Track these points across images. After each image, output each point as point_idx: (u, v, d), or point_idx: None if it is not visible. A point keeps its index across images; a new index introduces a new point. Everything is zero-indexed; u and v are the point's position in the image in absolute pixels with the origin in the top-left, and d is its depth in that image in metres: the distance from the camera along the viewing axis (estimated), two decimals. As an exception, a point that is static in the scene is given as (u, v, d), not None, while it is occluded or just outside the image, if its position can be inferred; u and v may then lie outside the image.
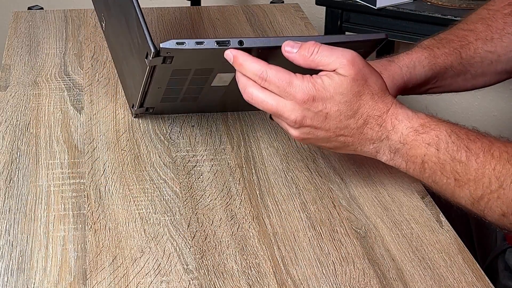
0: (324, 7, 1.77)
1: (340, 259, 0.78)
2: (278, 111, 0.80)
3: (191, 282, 0.75)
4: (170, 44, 0.82)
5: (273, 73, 0.79)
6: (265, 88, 0.80)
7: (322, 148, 0.88)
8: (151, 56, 0.84)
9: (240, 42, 0.82)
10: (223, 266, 0.77)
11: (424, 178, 0.81)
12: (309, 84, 0.79)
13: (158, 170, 0.92)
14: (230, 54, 0.81)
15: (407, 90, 1.03)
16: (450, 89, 1.08)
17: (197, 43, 0.83)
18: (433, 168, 0.80)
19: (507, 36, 1.07)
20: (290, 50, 0.80)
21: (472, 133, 0.80)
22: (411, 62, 1.02)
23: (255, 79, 0.80)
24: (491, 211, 0.78)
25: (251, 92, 0.81)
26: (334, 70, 0.79)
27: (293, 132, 0.82)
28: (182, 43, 0.82)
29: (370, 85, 0.80)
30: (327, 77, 0.79)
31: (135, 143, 0.97)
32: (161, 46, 0.83)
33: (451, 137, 0.79)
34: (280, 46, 0.81)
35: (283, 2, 1.47)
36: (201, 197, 0.87)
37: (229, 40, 0.82)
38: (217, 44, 0.82)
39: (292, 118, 0.80)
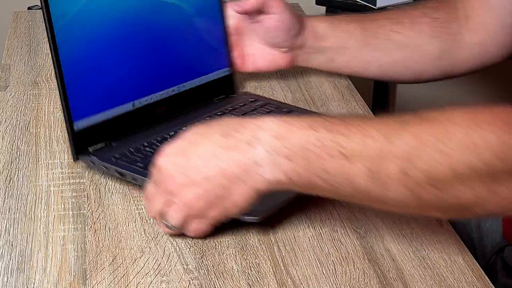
0: (324, 7, 1.77)
1: (340, 259, 0.78)
2: (152, 212, 0.80)
3: (191, 282, 0.74)
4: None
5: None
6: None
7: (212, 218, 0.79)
8: None
9: None
10: (223, 266, 0.77)
11: (315, 172, 0.72)
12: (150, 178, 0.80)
13: (158, 170, 0.92)
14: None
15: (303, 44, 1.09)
16: (358, 63, 1.11)
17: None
18: (317, 151, 0.72)
19: (420, 24, 1.09)
20: None
21: (334, 116, 0.79)
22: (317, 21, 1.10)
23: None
24: (391, 178, 0.71)
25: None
26: None
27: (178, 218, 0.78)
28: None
29: (206, 130, 0.78)
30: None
31: (135, 143, 0.97)
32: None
33: (321, 118, 0.74)
34: None
35: (283, 2, 1.46)
36: (201, 197, 0.87)
37: None
38: None
39: (157, 208, 0.79)
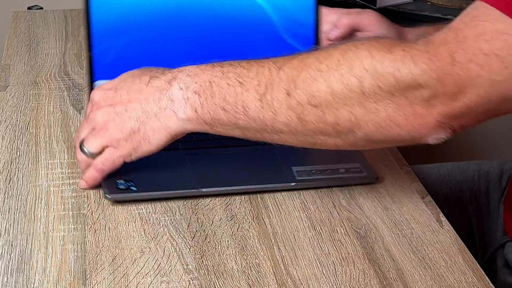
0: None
1: (340, 259, 0.78)
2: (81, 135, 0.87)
3: (191, 282, 0.74)
4: None
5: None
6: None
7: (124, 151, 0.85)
8: None
9: None
10: (223, 266, 0.77)
11: (217, 103, 0.80)
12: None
13: (158, 170, 0.92)
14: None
15: None
16: None
17: None
18: (219, 83, 0.80)
19: None
20: None
21: None
22: None
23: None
24: (278, 100, 0.77)
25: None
26: None
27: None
28: None
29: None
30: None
31: (135, 143, 0.97)
32: None
33: (231, 63, 0.82)
34: None
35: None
36: (201, 197, 0.87)
37: None
38: None
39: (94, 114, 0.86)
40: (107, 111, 0.84)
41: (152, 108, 0.83)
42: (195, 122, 0.81)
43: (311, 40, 0.99)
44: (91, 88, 0.93)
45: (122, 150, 0.84)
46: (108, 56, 0.95)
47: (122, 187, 0.86)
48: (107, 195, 0.85)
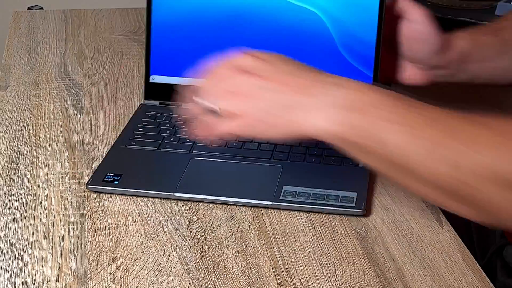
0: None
1: (340, 259, 0.78)
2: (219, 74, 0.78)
3: (191, 282, 0.74)
4: None
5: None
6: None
7: (259, 130, 0.79)
8: None
9: None
10: (223, 266, 0.77)
11: (370, 133, 0.73)
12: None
13: (158, 170, 0.92)
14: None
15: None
16: (499, 73, 1.04)
17: None
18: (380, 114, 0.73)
19: None
20: None
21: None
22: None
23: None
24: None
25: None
26: None
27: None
28: None
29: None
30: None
31: (135, 143, 0.97)
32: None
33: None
34: None
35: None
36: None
37: None
38: None
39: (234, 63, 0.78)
40: (255, 82, 0.76)
41: (303, 100, 0.75)
42: (334, 136, 0.74)
43: (371, 59, 0.97)
44: (148, 81, 0.97)
45: (251, 128, 0.77)
46: (165, 52, 1.00)
47: (107, 179, 0.87)
48: (88, 185, 0.86)
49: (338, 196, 0.86)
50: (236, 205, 0.85)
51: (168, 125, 0.98)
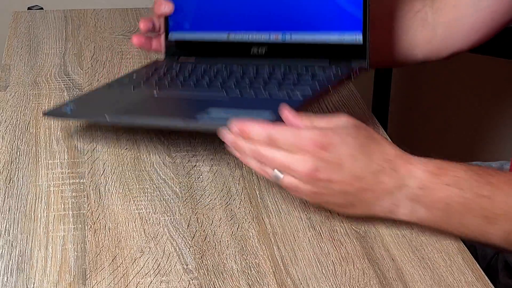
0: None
1: (340, 259, 0.78)
2: (288, 164, 0.75)
3: (190, 282, 0.75)
4: None
5: (280, 131, 0.75)
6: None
7: (336, 210, 0.82)
8: None
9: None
10: (222, 266, 0.77)
11: (451, 224, 0.78)
12: (317, 131, 0.75)
13: (158, 170, 0.92)
14: (230, 136, 0.79)
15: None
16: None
17: None
18: (459, 209, 0.76)
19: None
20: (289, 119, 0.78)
21: (488, 169, 0.78)
22: None
23: (264, 143, 0.76)
24: None
25: (262, 153, 0.77)
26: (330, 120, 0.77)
27: (306, 188, 0.76)
28: None
29: (373, 132, 0.78)
30: (330, 123, 0.77)
31: (135, 143, 0.97)
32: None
33: (471, 175, 0.76)
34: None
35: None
36: (200, 197, 0.87)
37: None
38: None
39: (304, 170, 0.75)
40: (334, 188, 0.76)
41: (375, 202, 0.77)
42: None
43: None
44: (167, 36, 0.96)
45: (321, 201, 0.79)
46: (182, 10, 0.98)
47: (65, 110, 0.92)
48: (44, 112, 0.94)
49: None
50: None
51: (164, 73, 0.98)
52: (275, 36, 0.92)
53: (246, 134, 0.77)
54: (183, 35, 0.99)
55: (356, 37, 0.90)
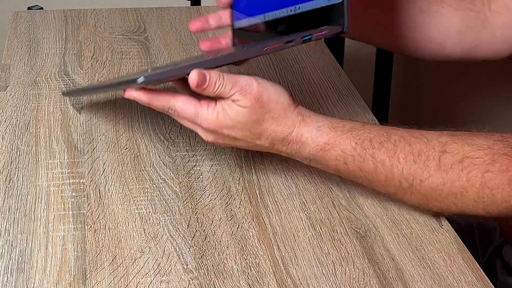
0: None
1: (340, 259, 0.78)
2: (195, 130, 0.86)
3: (190, 282, 0.75)
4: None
5: (180, 105, 0.84)
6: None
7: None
8: None
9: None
10: (222, 266, 0.77)
11: (342, 177, 0.87)
12: (213, 114, 0.83)
13: (158, 170, 0.92)
14: (132, 96, 0.85)
15: None
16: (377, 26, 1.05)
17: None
18: (346, 175, 0.85)
19: None
20: (195, 86, 0.83)
21: (376, 139, 0.82)
22: None
23: (166, 113, 0.85)
24: (408, 202, 0.84)
25: (171, 115, 0.86)
26: (234, 100, 0.83)
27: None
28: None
29: (271, 111, 0.83)
30: (228, 105, 0.83)
31: (134, 143, 0.97)
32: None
33: (356, 150, 0.82)
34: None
35: (283, 2, 1.46)
36: (200, 197, 0.87)
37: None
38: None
39: (206, 139, 0.86)
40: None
41: (275, 152, 0.87)
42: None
43: None
44: (233, 27, 0.94)
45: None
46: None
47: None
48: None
49: None
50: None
51: None
52: (289, 9, 0.96)
53: (147, 103, 0.85)
54: (241, 23, 0.99)
55: None
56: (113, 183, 0.89)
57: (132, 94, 0.84)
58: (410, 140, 0.81)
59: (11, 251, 0.78)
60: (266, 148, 0.86)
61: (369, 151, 0.81)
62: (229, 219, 0.84)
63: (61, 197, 0.86)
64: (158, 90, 0.84)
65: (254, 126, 0.83)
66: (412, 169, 0.80)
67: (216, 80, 0.82)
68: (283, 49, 0.89)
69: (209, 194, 0.88)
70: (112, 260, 0.77)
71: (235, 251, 0.79)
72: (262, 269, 0.77)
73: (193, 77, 0.81)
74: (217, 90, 0.82)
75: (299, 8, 0.97)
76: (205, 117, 0.83)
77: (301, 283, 0.75)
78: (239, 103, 0.82)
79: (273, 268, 0.77)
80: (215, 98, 0.83)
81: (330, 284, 0.75)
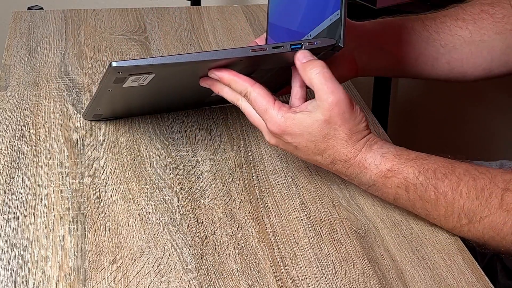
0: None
1: (340, 259, 0.78)
2: (258, 126, 0.86)
3: (190, 282, 0.75)
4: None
5: (255, 95, 0.83)
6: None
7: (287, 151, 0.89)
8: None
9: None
10: (222, 266, 0.77)
11: (401, 207, 0.85)
12: (282, 118, 0.82)
13: (158, 170, 0.92)
14: (216, 75, 0.85)
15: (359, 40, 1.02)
16: (426, 61, 1.05)
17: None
18: (405, 204, 0.83)
19: (481, 20, 1.05)
20: (301, 58, 0.83)
21: (440, 170, 0.80)
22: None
23: (236, 101, 0.86)
24: (465, 237, 0.82)
25: (241, 104, 0.86)
26: (313, 106, 0.82)
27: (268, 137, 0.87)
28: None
29: (342, 131, 0.82)
30: (302, 114, 0.82)
31: (134, 143, 0.97)
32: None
33: (419, 179, 0.80)
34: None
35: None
36: (200, 197, 0.87)
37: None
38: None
39: (268, 140, 0.86)
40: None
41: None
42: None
43: None
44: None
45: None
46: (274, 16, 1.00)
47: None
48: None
49: None
50: None
51: None
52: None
53: (227, 84, 0.85)
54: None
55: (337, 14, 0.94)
56: (113, 183, 0.89)
57: (216, 73, 0.84)
58: (475, 175, 0.79)
59: (11, 251, 0.78)
60: (324, 165, 0.85)
61: (432, 181, 0.79)
62: (229, 219, 0.84)
63: (61, 197, 0.86)
64: (239, 73, 0.85)
65: (320, 140, 0.82)
66: (473, 205, 0.78)
67: (318, 65, 0.82)
68: (273, 55, 0.88)
69: (209, 194, 0.88)
70: (112, 260, 0.77)
71: (235, 251, 0.79)
72: (262, 269, 0.77)
73: (302, 52, 0.84)
74: (314, 75, 0.81)
75: (310, 36, 0.97)
76: (272, 117, 0.82)
77: (301, 283, 0.75)
78: (319, 111, 0.81)
79: (273, 268, 0.77)
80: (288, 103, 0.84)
81: (330, 284, 0.75)
